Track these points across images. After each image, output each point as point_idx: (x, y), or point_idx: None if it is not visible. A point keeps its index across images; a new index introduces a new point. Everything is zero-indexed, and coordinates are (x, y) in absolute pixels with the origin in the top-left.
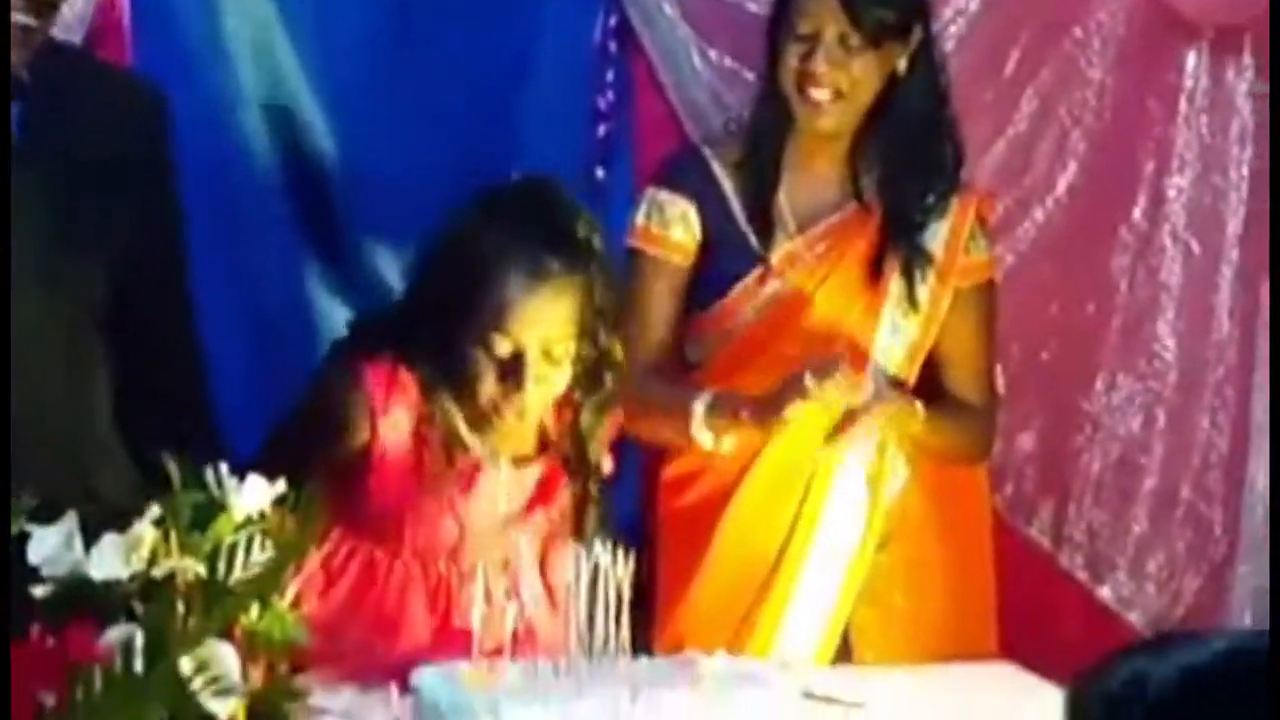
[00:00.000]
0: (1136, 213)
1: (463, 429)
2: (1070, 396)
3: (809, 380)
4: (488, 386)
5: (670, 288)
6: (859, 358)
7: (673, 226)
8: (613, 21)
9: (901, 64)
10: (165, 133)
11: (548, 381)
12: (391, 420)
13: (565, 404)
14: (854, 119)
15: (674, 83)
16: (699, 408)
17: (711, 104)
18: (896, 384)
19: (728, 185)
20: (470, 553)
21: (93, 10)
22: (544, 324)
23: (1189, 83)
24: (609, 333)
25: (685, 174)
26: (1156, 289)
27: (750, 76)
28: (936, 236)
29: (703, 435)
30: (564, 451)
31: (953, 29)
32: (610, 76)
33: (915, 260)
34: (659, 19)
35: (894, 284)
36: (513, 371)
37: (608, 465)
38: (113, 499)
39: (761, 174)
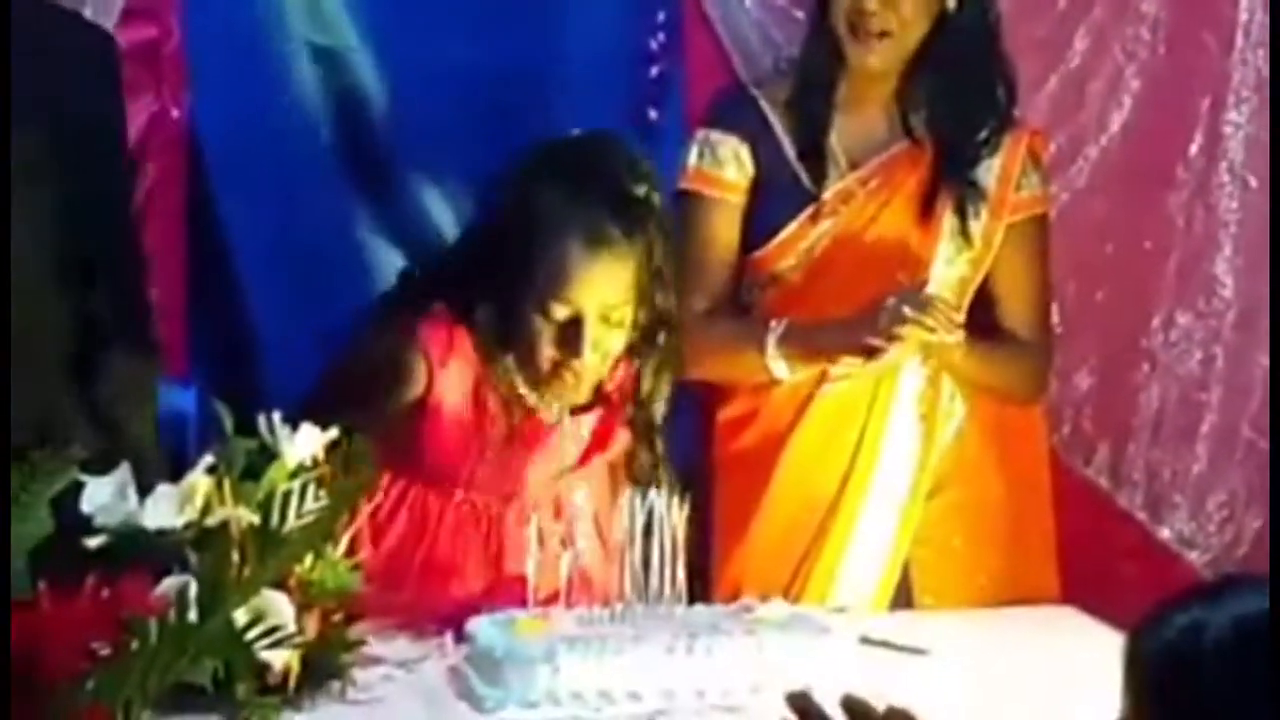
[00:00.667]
0: (1193, 149)
1: (522, 387)
2: (1127, 335)
3: (907, 310)
4: (545, 350)
5: (725, 228)
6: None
7: (726, 166)
8: None
9: (951, 2)
10: (113, 74)
11: (605, 346)
12: (449, 376)
13: (624, 365)
14: (903, 58)
15: (723, 21)
16: (772, 338)
17: (761, 43)
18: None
19: (778, 124)
20: (526, 501)
21: None
22: (603, 290)
23: (1244, 16)
24: (666, 293)
25: (736, 113)
26: (1214, 226)
27: (799, 15)
28: (989, 172)
29: (778, 365)
30: (623, 409)
31: None
32: (661, 17)
33: (968, 196)
34: None
35: (946, 220)
36: (570, 336)
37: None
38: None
39: (812, 112)
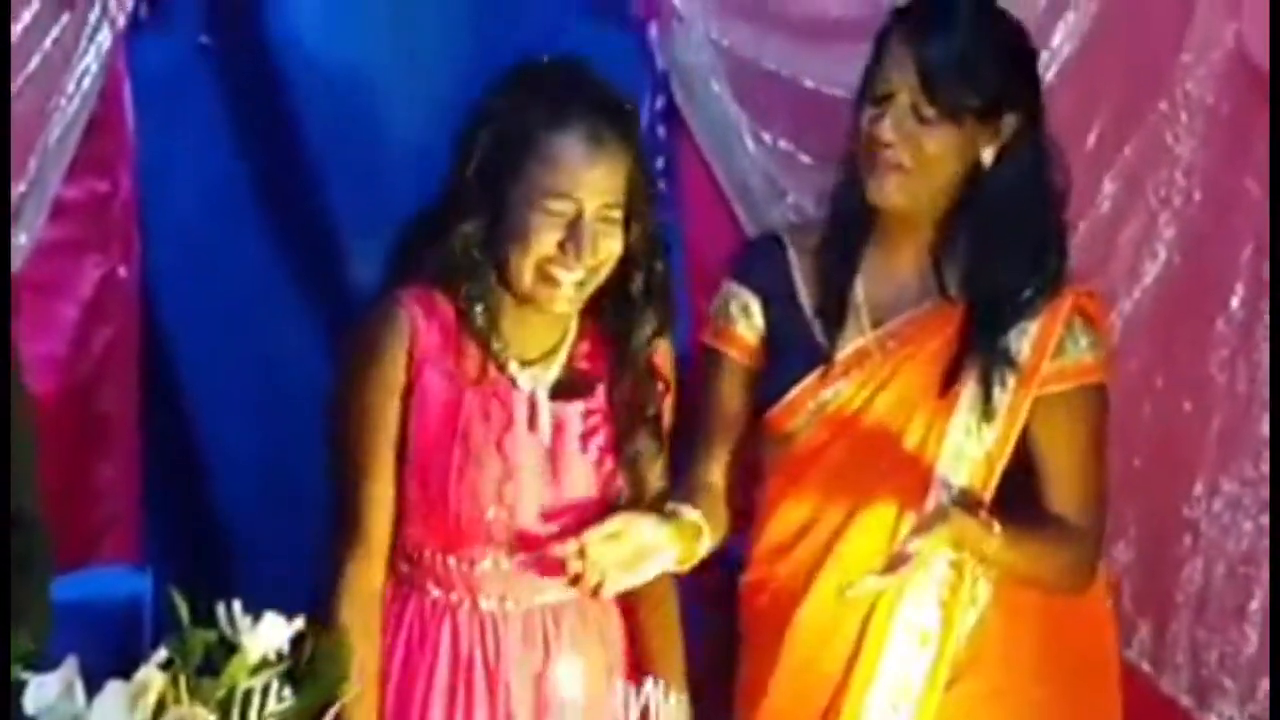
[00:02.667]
0: (1234, 302)
1: (498, 344)
2: (1168, 503)
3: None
4: (545, 248)
5: (734, 385)
6: (922, 475)
7: (735, 320)
8: (659, 103)
9: (987, 154)
10: None
11: (605, 244)
12: (431, 365)
13: (608, 311)
14: (930, 202)
15: (725, 167)
16: None
17: (766, 189)
18: (969, 500)
19: (799, 275)
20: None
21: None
22: (601, 185)
23: None
24: (652, 217)
25: (758, 262)
26: (1259, 384)
27: (806, 159)
28: (1025, 334)
29: None
30: (616, 392)
31: None
32: (660, 163)
33: (995, 365)
34: (707, 99)
35: (968, 389)
36: (573, 234)
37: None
38: None
39: (836, 262)
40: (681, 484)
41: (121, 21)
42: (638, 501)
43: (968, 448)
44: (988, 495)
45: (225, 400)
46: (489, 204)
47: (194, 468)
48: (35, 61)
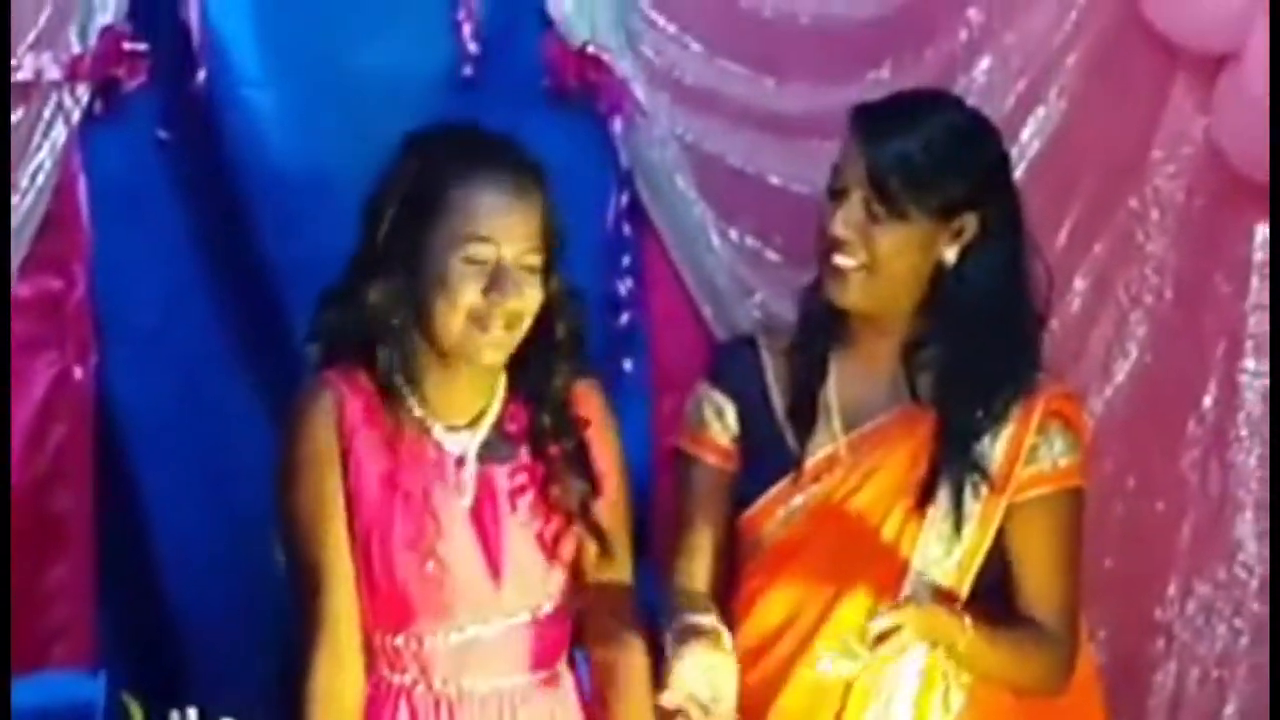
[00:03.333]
0: (1207, 401)
1: (421, 411)
2: (1141, 606)
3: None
4: (471, 297)
5: (712, 490)
6: (898, 568)
7: (709, 424)
8: (623, 200)
9: (949, 253)
10: None
11: (527, 290)
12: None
13: (530, 364)
14: (894, 302)
15: (691, 265)
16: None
17: (733, 288)
18: (942, 594)
19: (772, 377)
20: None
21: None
22: (518, 232)
23: (1259, 255)
24: (564, 277)
25: (731, 365)
26: (1232, 485)
27: (774, 257)
28: (998, 439)
29: None
30: (537, 443)
31: None
32: (626, 261)
33: (966, 476)
34: (672, 197)
35: (941, 495)
36: (496, 280)
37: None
38: None
39: (807, 365)
40: (671, 595)
41: (76, 116)
42: (604, 553)
43: (941, 554)
44: (962, 594)
45: (180, 499)
46: (404, 264)
47: (149, 568)
48: None
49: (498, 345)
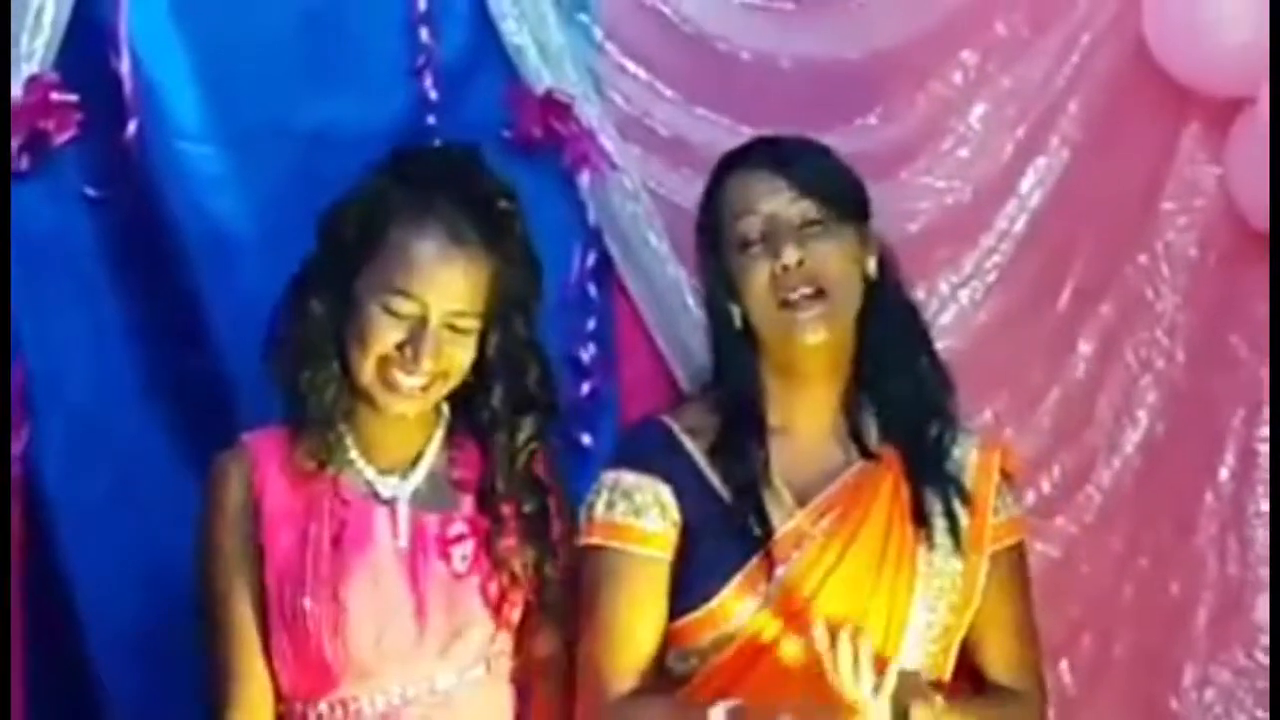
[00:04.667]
0: (1224, 473)
1: (355, 450)
2: (1154, 696)
3: None
4: (384, 347)
5: (648, 587)
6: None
7: (644, 514)
8: (591, 259)
9: (871, 265)
10: None
11: (449, 356)
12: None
13: (488, 415)
14: (843, 329)
15: (664, 328)
16: (716, 715)
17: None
18: (913, 681)
19: (702, 459)
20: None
21: None
22: (452, 291)
23: None
24: (528, 329)
25: (653, 451)
26: (1252, 563)
27: None
28: (964, 496)
29: None
30: (487, 500)
31: (995, 257)
32: (591, 324)
33: (949, 493)
34: (644, 255)
35: (922, 556)
36: (413, 338)
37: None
38: None
39: (743, 444)
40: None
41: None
42: (548, 625)
43: (930, 622)
44: (947, 670)
45: (108, 582)
46: (337, 290)
47: (79, 659)
48: None
49: (408, 401)
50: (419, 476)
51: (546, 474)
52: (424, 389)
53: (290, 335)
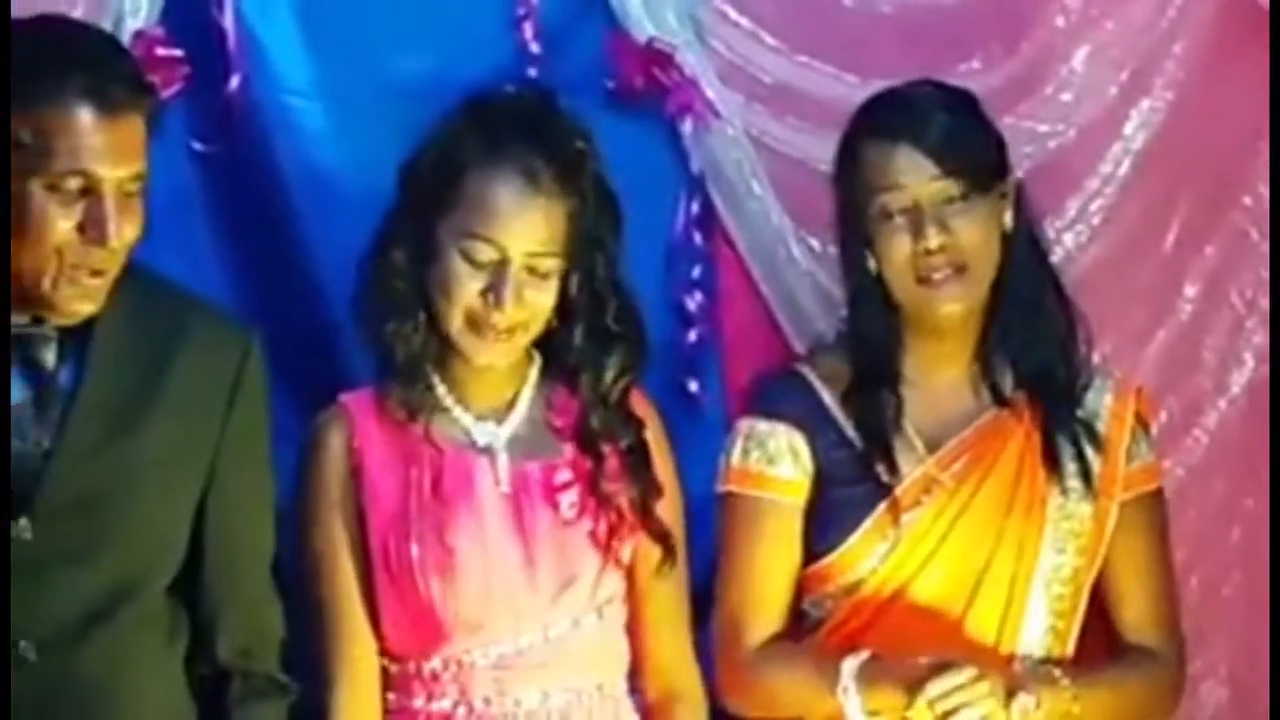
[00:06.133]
0: None
1: (450, 398)
2: (1263, 637)
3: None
4: (468, 295)
5: (782, 534)
6: (995, 659)
7: (779, 461)
8: (695, 208)
9: (1008, 218)
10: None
11: (532, 295)
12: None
13: (576, 358)
14: (980, 295)
15: (769, 276)
16: (850, 666)
17: (815, 301)
18: (1044, 666)
19: (835, 406)
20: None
21: None
22: (530, 232)
23: None
24: (608, 268)
25: (787, 398)
26: None
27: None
28: (1096, 440)
29: (850, 701)
30: (585, 440)
31: (1099, 200)
32: (697, 272)
33: (1071, 471)
34: (748, 203)
35: (1052, 502)
36: (494, 283)
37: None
38: None
39: (874, 391)
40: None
41: None
42: (666, 558)
43: (1059, 564)
44: (1077, 620)
45: None
46: (420, 239)
47: None
48: None
49: (494, 350)
50: (515, 422)
51: (643, 409)
52: (509, 334)
53: (374, 288)
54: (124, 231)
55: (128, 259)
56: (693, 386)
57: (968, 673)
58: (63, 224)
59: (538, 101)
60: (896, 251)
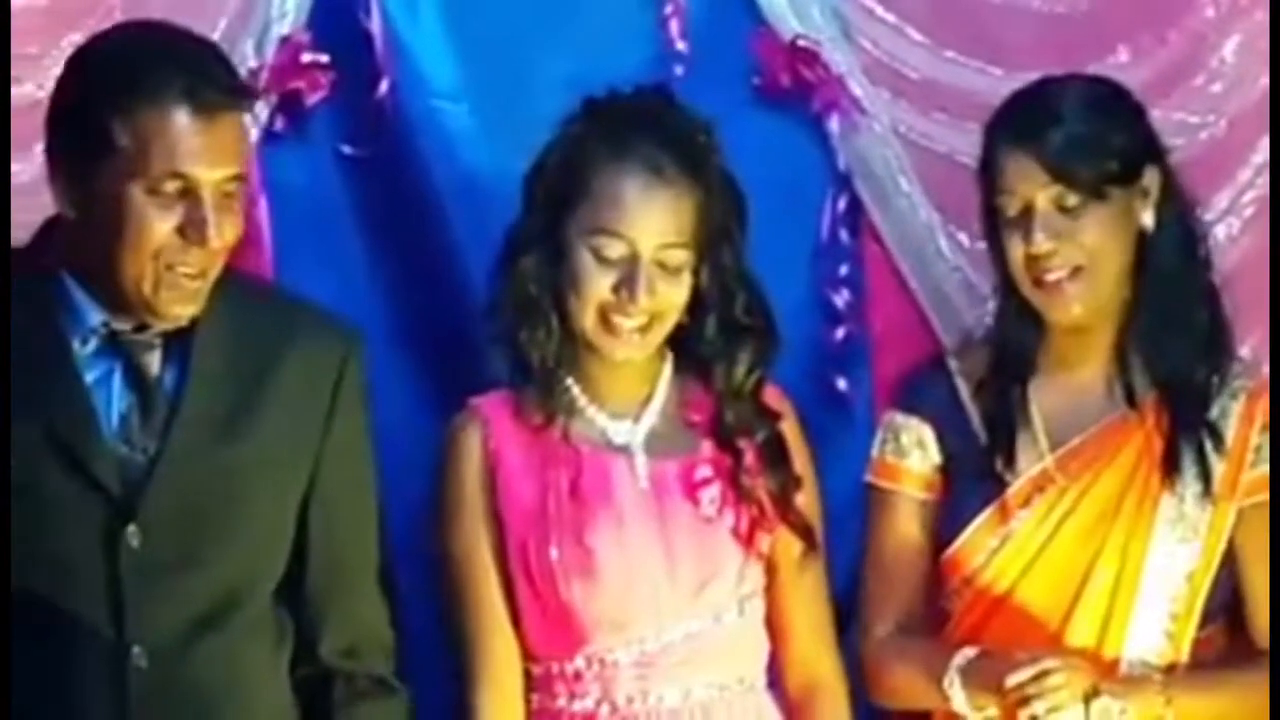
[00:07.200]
0: None
1: (584, 397)
2: None
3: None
4: (600, 292)
5: (910, 526)
6: (1098, 663)
7: (908, 454)
8: (842, 204)
9: (1147, 217)
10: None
11: (664, 295)
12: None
13: (709, 353)
14: (1110, 299)
15: (917, 272)
16: (957, 662)
17: (964, 297)
18: (1143, 670)
19: (969, 400)
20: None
21: None
22: (659, 226)
23: None
24: (736, 260)
25: (925, 391)
26: None
27: None
28: (1219, 442)
29: (956, 695)
30: (721, 435)
31: (1251, 192)
32: (844, 270)
33: (1190, 474)
34: (896, 199)
35: (1165, 504)
36: (627, 278)
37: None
38: None
39: (1005, 384)
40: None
41: (255, 133)
42: (808, 550)
43: (1170, 567)
44: (1193, 624)
45: None
46: (548, 242)
47: None
48: None
49: (629, 345)
50: (651, 419)
51: (778, 402)
52: (643, 330)
53: (505, 296)
54: (224, 232)
55: (228, 262)
56: (841, 384)
57: (1045, 665)
58: (161, 226)
59: (657, 98)
60: (1013, 251)
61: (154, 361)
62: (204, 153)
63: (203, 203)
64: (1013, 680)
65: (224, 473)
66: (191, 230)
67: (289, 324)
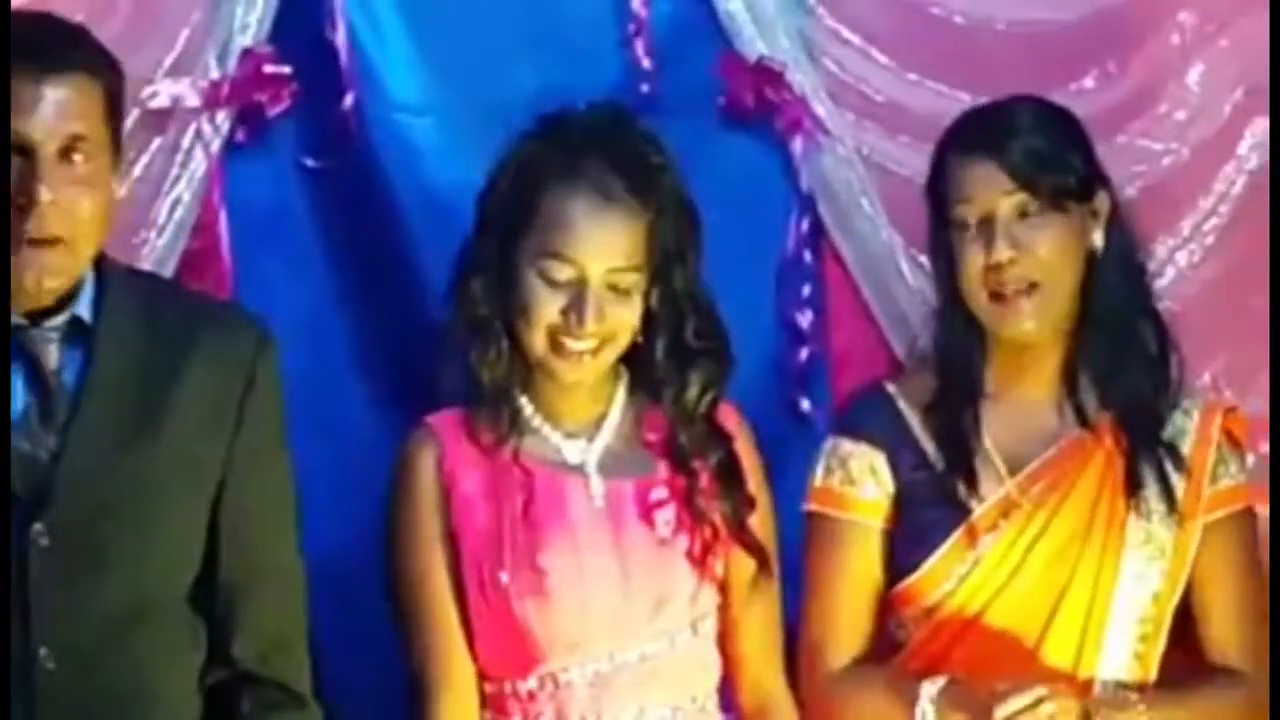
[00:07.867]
0: None
1: (539, 417)
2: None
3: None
4: (549, 315)
5: (863, 555)
6: (1073, 684)
7: (859, 482)
8: (805, 226)
9: (1096, 237)
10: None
11: (613, 318)
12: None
13: (661, 373)
14: (1059, 318)
15: (879, 295)
16: (929, 690)
17: (924, 320)
18: (1120, 690)
19: (918, 426)
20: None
21: None
22: (608, 249)
23: None
24: (688, 282)
25: (871, 418)
26: None
27: None
28: (1180, 462)
29: None
30: (677, 456)
31: (1212, 220)
32: (807, 290)
33: (1153, 494)
34: (858, 221)
35: (1131, 526)
36: (575, 302)
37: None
38: None
39: (957, 408)
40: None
41: (216, 145)
42: (761, 571)
43: (1138, 592)
44: (1160, 644)
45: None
46: (499, 263)
47: None
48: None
49: (580, 368)
50: (605, 439)
51: (732, 423)
52: (594, 353)
53: (457, 316)
54: (58, 190)
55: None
56: (804, 405)
57: (1035, 694)
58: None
59: (610, 117)
60: (970, 263)
61: (52, 356)
62: (37, 111)
63: (34, 164)
64: (1004, 711)
65: (131, 473)
66: (18, 194)
67: (198, 323)
